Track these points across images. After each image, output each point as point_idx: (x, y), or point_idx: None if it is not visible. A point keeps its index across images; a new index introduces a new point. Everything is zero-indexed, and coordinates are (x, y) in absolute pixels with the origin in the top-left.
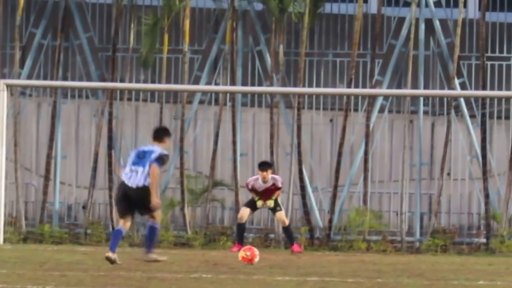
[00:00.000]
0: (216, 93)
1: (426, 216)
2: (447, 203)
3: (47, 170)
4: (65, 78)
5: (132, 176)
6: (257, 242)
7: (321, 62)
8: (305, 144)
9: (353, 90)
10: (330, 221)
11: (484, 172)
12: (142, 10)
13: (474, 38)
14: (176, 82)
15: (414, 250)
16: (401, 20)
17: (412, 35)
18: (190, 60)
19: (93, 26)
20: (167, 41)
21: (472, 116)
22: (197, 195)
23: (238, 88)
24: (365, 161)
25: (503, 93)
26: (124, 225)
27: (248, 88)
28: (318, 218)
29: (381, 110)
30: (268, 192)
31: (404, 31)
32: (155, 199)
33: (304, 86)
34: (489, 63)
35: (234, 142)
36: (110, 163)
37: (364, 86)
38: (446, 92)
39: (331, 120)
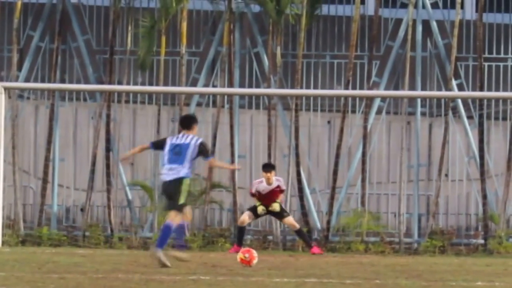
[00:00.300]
0: (214, 95)
1: (424, 217)
2: (445, 204)
3: (45, 172)
4: (62, 81)
5: (170, 174)
6: (255, 244)
7: (319, 64)
8: (303, 146)
9: (350, 92)
10: (328, 222)
11: (482, 173)
12: (140, 12)
13: (471, 39)
14: (173, 84)
15: (412, 251)
16: (398, 22)
17: (409, 37)
18: (188, 62)
19: (91, 29)
20: (164, 43)
21: (470, 117)
22: (195, 197)
23: (236, 90)
24: (363, 162)
25: (501, 94)
26: (185, 218)
27: (246, 90)
28: (316, 220)
29: (379, 112)
30: (272, 195)
31: (401, 33)
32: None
33: (301, 88)
34: (486, 64)
35: (232, 144)
36: (108, 166)
37: (361, 88)
38: (443, 93)
39: (328, 122)
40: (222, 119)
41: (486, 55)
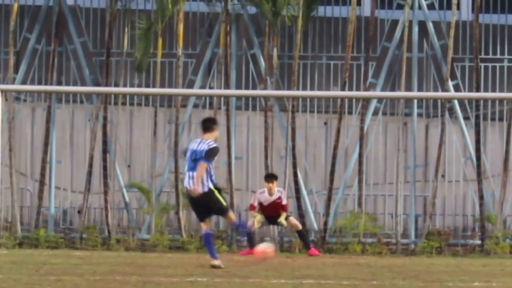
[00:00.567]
0: (210, 96)
1: (421, 218)
2: (441, 205)
3: (42, 174)
4: (59, 83)
5: (192, 183)
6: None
7: (315, 65)
8: (300, 147)
9: (347, 93)
10: (325, 223)
11: (479, 174)
12: (136, 14)
13: (467, 40)
14: (170, 86)
15: (409, 252)
16: (395, 23)
17: (405, 38)
18: (184, 64)
19: (87, 31)
20: (161, 45)
21: (466, 118)
22: None
23: (232, 91)
24: (360, 163)
25: (497, 94)
26: (207, 226)
27: (242, 92)
28: (313, 221)
29: (375, 113)
30: (273, 207)
31: (397, 34)
32: (197, 188)
33: (298, 89)
34: (482, 64)
35: (228, 146)
36: (105, 168)
37: (358, 89)
38: (440, 94)
39: (325, 123)
40: (219, 121)
41: (482, 55)
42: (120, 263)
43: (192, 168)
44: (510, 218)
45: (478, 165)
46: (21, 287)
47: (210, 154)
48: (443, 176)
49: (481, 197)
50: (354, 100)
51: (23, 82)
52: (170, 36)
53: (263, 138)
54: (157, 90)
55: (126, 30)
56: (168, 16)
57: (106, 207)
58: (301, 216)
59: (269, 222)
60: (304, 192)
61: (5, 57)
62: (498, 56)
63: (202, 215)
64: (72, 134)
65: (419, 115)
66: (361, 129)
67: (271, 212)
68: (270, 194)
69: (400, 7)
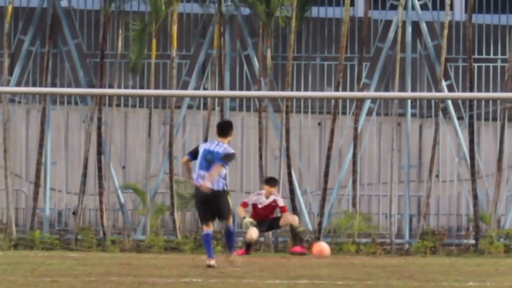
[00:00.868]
0: (205, 98)
1: (415, 218)
2: (436, 205)
3: (37, 176)
4: (54, 85)
5: (203, 181)
6: (244, 246)
7: (309, 66)
8: (294, 148)
9: (341, 94)
10: (320, 224)
11: (473, 174)
12: (130, 16)
13: (460, 40)
14: (164, 87)
15: (404, 252)
16: (388, 23)
17: (399, 38)
18: (178, 65)
19: (81, 33)
20: (155, 47)
21: (460, 118)
22: (187, 200)
23: (227, 92)
24: (354, 164)
25: (490, 94)
26: (208, 228)
27: (237, 93)
28: (308, 221)
29: (369, 113)
30: (267, 210)
31: (391, 34)
32: (208, 184)
33: (292, 90)
34: (476, 65)
35: None
36: (100, 169)
37: (351, 89)
38: (433, 94)
39: (319, 124)
40: (213, 122)
41: (476, 56)
42: (115, 264)
43: (205, 167)
44: (504, 217)
45: (472, 165)
46: None
47: (228, 158)
48: (437, 176)
49: (475, 197)
50: (348, 101)
51: (18, 84)
52: (164, 37)
53: (257, 139)
54: (152, 91)
55: (120, 31)
56: (162, 17)
57: (101, 208)
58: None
59: (261, 226)
60: (298, 192)
61: (0, 59)
62: (492, 56)
63: (206, 217)
64: (67, 136)
65: (413, 115)
66: (355, 129)
67: (264, 215)
68: (267, 197)
69: (394, 7)
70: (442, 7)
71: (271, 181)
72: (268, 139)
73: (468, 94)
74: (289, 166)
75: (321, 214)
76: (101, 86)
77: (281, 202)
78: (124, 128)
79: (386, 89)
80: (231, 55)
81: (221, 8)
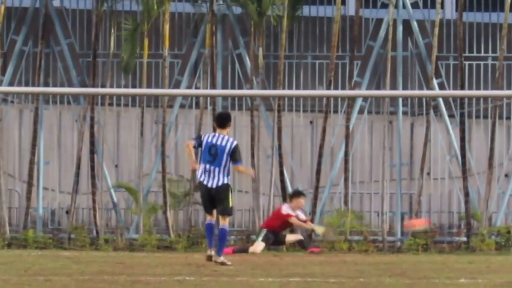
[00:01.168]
0: (197, 97)
1: (407, 215)
2: (427, 202)
3: (30, 175)
4: (46, 84)
5: (210, 178)
6: (238, 244)
7: (300, 65)
8: (286, 146)
9: (332, 92)
10: (312, 222)
11: (464, 171)
12: (122, 15)
13: (451, 38)
14: (156, 86)
15: (396, 250)
16: (379, 22)
17: (390, 37)
18: (170, 65)
19: (74, 32)
20: (147, 46)
21: (451, 116)
22: (179, 198)
23: (219, 91)
24: (346, 162)
25: (481, 92)
26: (211, 218)
27: (228, 92)
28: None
29: (361, 111)
30: (282, 223)
31: (382, 33)
32: (251, 171)
33: (284, 88)
34: (467, 63)
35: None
36: (92, 168)
37: (343, 88)
38: (424, 92)
39: (311, 122)
40: (205, 121)
41: (467, 54)
42: (108, 263)
43: (211, 162)
44: (495, 215)
45: (463, 163)
46: (10, 287)
47: (238, 153)
48: (428, 174)
49: (466, 195)
50: (339, 99)
51: (10, 83)
52: (156, 37)
53: (249, 138)
54: (144, 90)
55: (112, 31)
56: (154, 17)
57: (94, 207)
58: None
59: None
60: (290, 191)
61: None
62: (482, 54)
63: (211, 207)
64: (60, 135)
65: (404, 113)
66: (347, 127)
67: (278, 228)
68: (294, 210)
69: (385, 6)
70: (433, 6)
71: (302, 194)
72: (260, 138)
73: (459, 92)
74: (281, 165)
75: (313, 212)
76: (93, 86)
77: (302, 216)
78: (117, 127)
79: (378, 88)
80: (223, 54)
81: (213, 8)
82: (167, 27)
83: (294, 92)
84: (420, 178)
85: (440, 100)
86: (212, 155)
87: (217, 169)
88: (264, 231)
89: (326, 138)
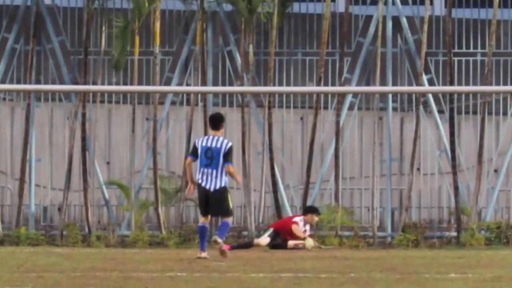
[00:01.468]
0: (188, 93)
1: (397, 211)
2: (417, 198)
3: (22, 173)
4: (38, 82)
5: (208, 180)
6: (230, 240)
7: (291, 61)
8: (277, 142)
9: (322, 88)
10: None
11: (453, 167)
12: (113, 13)
13: (440, 34)
14: (147, 83)
15: (386, 245)
16: (369, 18)
17: (379, 33)
18: (161, 62)
19: (65, 30)
20: (138, 43)
21: (441, 112)
22: (171, 195)
23: (209, 88)
24: (336, 158)
25: (470, 88)
26: (206, 220)
27: (219, 88)
28: (290, 215)
29: (351, 108)
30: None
31: (371, 29)
32: (240, 178)
33: (274, 85)
34: (456, 59)
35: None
36: (84, 165)
37: (333, 84)
38: (414, 88)
39: (301, 118)
40: (196, 117)
41: (456, 50)
42: (100, 259)
43: (208, 165)
44: (485, 210)
45: (453, 158)
46: (2, 284)
47: (231, 155)
48: (418, 169)
49: (456, 190)
50: (329, 95)
51: (2, 81)
52: (147, 34)
53: (240, 134)
54: (135, 87)
55: (103, 29)
56: (145, 14)
57: (86, 204)
58: (278, 210)
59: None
60: (281, 186)
61: None
62: (471, 50)
63: (207, 211)
64: (52, 133)
65: (394, 109)
66: (337, 123)
67: (283, 230)
68: (305, 225)
69: (374, 3)
70: (422, 2)
71: (316, 211)
72: (251, 134)
73: (448, 88)
74: (272, 161)
75: (304, 208)
76: (85, 83)
77: (308, 231)
78: (108, 124)
79: (367, 84)
80: (213, 51)
81: (203, 5)
82: (157, 25)
83: (284, 88)
84: (410, 174)
85: (430, 96)
86: (208, 158)
87: (214, 172)
88: (271, 230)
89: (316, 134)
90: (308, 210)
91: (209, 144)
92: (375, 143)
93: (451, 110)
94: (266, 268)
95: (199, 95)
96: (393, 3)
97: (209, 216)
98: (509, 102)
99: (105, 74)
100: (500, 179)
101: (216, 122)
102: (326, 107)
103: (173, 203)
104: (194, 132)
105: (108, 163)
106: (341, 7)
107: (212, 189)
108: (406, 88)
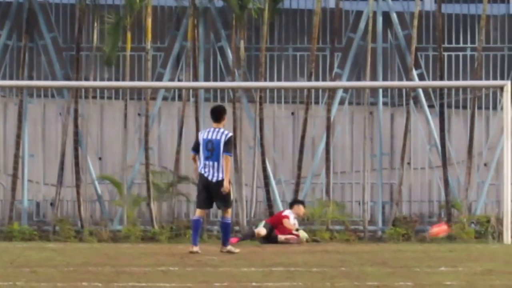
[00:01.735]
0: (179, 89)
1: (388, 205)
2: (408, 192)
3: (15, 168)
4: (30, 78)
5: (210, 171)
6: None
7: (282, 57)
8: (268, 138)
9: (313, 84)
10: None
11: (444, 161)
12: (105, 9)
13: (430, 29)
14: (139, 79)
15: (377, 239)
16: (359, 14)
17: (370, 28)
18: (153, 58)
19: (57, 26)
20: (130, 39)
21: (431, 106)
22: (163, 190)
23: (201, 84)
24: (327, 152)
25: (460, 83)
26: (201, 214)
27: (211, 84)
28: (281, 210)
29: (341, 103)
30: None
31: (362, 25)
32: (227, 184)
33: (265, 80)
34: (446, 54)
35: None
36: (77, 160)
37: (324, 79)
38: (404, 83)
39: (292, 113)
40: (187, 113)
41: (446, 45)
42: (93, 254)
43: (209, 158)
44: (475, 203)
45: (443, 153)
46: None
47: (230, 145)
48: (408, 163)
49: (446, 184)
50: (320, 91)
51: None
52: (138, 30)
53: (232, 129)
54: (127, 83)
55: (95, 25)
56: (137, 10)
57: (78, 200)
58: (270, 205)
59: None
60: (272, 181)
61: None
62: (461, 45)
63: (204, 204)
64: (44, 128)
65: (385, 104)
66: (328, 119)
67: (274, 224)
68: (296, 218)
69: None
70: None
71: (302, 202)
72: (242, 129)
73: (438, 83)
74: (263, 156)
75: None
76: (77, 79)
77: (297, 224)
78: (100, 120)
79: (358, 79)
80: (205, 47)
81: (195, 1)
82: (149, 21)
83: (275, 84)
84: (401, 168)
85: (420, 90)
86: (209, 150)
87: (215, 164)
88: (263, 222)
89: (307, 129)
90: (293, 202)
91: (209, 137)
92: (366, 138)
93: (441, 104)
94: (258, 262)
95: (191, 90)
96: None
97: (204, 210)
98: (498, 97)
99: (97, 70)
100: (490, 173)
101: (217, 114)
102: (317, 102)
103: (165, 198)
104: (186, 127)
105: (100, 158)
106: (331, 2)
107: (214, 180)
108: (396, 83)
